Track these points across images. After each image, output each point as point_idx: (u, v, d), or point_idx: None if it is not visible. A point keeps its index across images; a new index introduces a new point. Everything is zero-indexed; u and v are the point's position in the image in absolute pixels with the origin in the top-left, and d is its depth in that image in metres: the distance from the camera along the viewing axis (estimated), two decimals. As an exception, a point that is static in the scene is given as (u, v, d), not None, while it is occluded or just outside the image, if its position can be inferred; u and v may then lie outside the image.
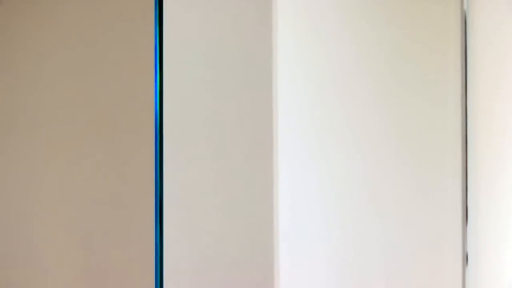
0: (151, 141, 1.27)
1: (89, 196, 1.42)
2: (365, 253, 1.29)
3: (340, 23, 1.28)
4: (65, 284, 1.45)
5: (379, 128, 1.31)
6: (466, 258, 1.35)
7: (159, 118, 1.27)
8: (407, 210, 1.33)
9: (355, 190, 1.28)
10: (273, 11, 1.20)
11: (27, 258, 1.55)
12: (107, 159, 1.39)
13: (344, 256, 1.26)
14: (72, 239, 1.45)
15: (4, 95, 1.62)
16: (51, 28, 1.51)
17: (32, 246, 1.54)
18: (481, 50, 1.38)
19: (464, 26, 1.38)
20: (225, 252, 1.23)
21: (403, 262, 1.32)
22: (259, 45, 1.22)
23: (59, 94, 1.49)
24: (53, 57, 1.51)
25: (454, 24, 1.37)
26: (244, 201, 1.22)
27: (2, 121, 1.62)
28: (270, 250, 1.19)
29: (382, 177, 1.31)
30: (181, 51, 1.27)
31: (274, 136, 1.21)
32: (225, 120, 1.25)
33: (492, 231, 1.35)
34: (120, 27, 1.37)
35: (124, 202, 1.35)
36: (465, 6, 1.38)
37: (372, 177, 1.30)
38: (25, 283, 1.54)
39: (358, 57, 1.30)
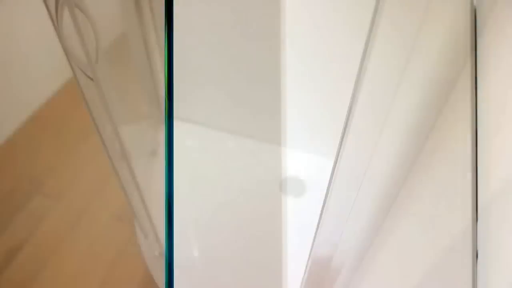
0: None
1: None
2: (374, 250, 1.29)
3: (348, 19, 1.28)
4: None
5: (388, 123, 1.31)
6: (476, 256, 1.35)
7: (167, 114, 1.26)
8: (416, 207, 1.33)
9: (364, 186, 1.29)
10: (281, 4, 1.20)
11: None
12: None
13: (351, 253, 1.27)
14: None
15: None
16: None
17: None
18: (491, 47, 1.37)
19: (473, 23, 1.38)
20: (234, 249, 1.23)
21: (412, 260, 1.32)
22: (266, 41, 1.22)
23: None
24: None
25: (464, 21, 1.37)
26: (252, 198, 1.23)
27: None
28: (278, 247, 1.19)
29: (391, 174, 1.31)
30: (189, 46, 1.27)
31: (282, 133, 1.22)
32: (233, 117, 1.26)
33: (503, 228, 1.35)
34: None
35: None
36: (474, 3, 1.37)
37: (381, 173, 1.30)
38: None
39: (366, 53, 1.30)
